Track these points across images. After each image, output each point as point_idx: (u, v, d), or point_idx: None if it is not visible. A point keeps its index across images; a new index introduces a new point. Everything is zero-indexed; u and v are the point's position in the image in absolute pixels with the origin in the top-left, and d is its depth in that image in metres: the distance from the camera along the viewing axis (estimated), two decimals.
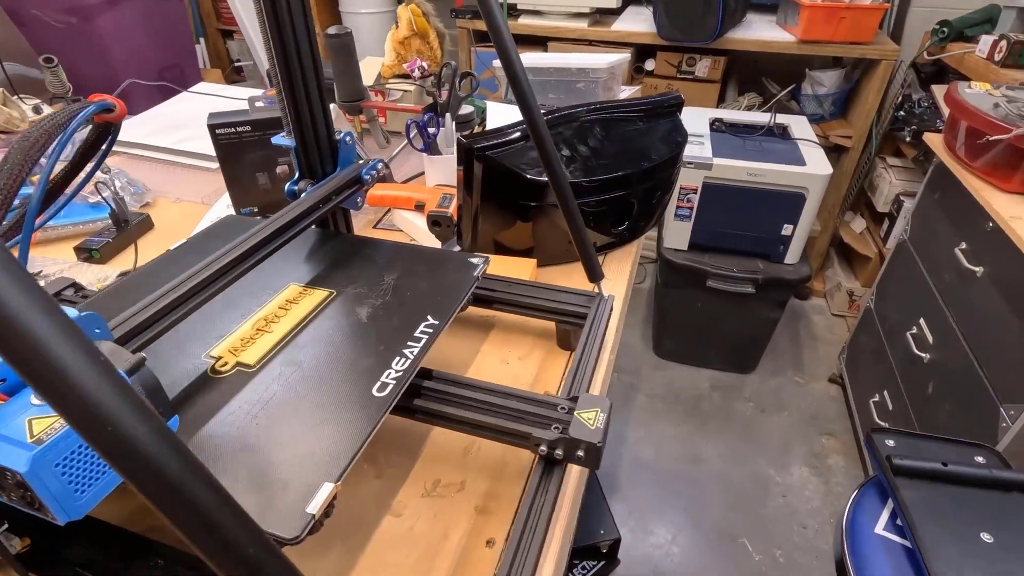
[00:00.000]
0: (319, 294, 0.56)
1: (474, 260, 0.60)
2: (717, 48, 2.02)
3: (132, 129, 1.19)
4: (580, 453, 0.44)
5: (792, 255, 1.77)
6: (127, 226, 0.89)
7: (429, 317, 0.52)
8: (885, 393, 1.59)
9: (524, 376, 0.62)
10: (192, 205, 1.01)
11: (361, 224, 0.94)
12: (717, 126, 1.86)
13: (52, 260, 0.79)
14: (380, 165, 0.70)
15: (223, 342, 0.49)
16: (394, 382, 0.45)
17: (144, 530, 0.44)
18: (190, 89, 1.32)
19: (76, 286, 0.64)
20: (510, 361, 0.65)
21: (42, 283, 0.70)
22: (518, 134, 0.73)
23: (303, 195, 0.62)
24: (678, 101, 0.86)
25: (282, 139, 0.64)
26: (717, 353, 2.04)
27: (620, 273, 0.81)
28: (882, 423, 1.58)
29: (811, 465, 1.74)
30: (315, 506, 0.36)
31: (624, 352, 2.14)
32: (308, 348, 0.49)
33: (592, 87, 1.67)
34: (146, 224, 0.92)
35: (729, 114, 1.93)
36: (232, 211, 0.93)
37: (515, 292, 0.65)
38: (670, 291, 1.93)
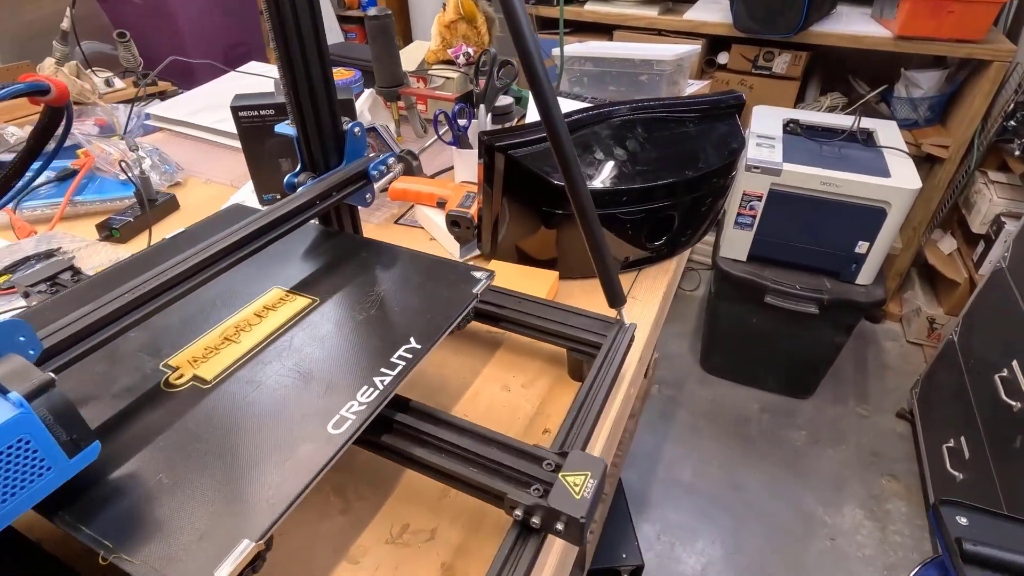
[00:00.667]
0: (300, 302, 0.51)
1: (476, 274, 0.54)
2: (800, 42, 1.85)
3: (177, 107, 1.19)
4: (559, 526, 0.37)
5: (865, 275, 1.59)
6: (151, 206, 0.88)
7: (412, 340, 0.46)
8: (962, 439, 1.41)
9: (524, 408, 0.55)
10: (221, 187, 0.99)
11: (384, 217, 0.90)
12: (792, 128, 1.70)
13: (72, 237, 0.79)
14: (391, 160, 0.64)
15: (185, 351, 0.45)
16: (354, 417, 0.39)
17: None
18: (238, 69, 1.31)
19: (74, 269, 0.62)
20: (512, 388, 0.58)
21: (49, 262, 0.69)
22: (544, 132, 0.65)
23: (301, 188, 0.57)
24: (738, 102, 0.75)
25: (285, 127, 0.60)
26: (771, 373, 1.89)
27: (652, 294, 0.72)
28: (955, 473, 1.40)
29: (867, 508, 1.57)
30: (226, 569, 0.30)
31: (668, 362, 2.02)
32: (272, 365, 0.44)
33: (656, 80, 1.55)
34: (171, 204, 0.91)
35: (807, 115, 1.76)
36: (255, 196, 0.91)
37: (525, 311, 0.58)
38: (724, 303, 1.79)
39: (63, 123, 0.41)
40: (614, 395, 0.57)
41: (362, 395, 0.41)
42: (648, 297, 0.71)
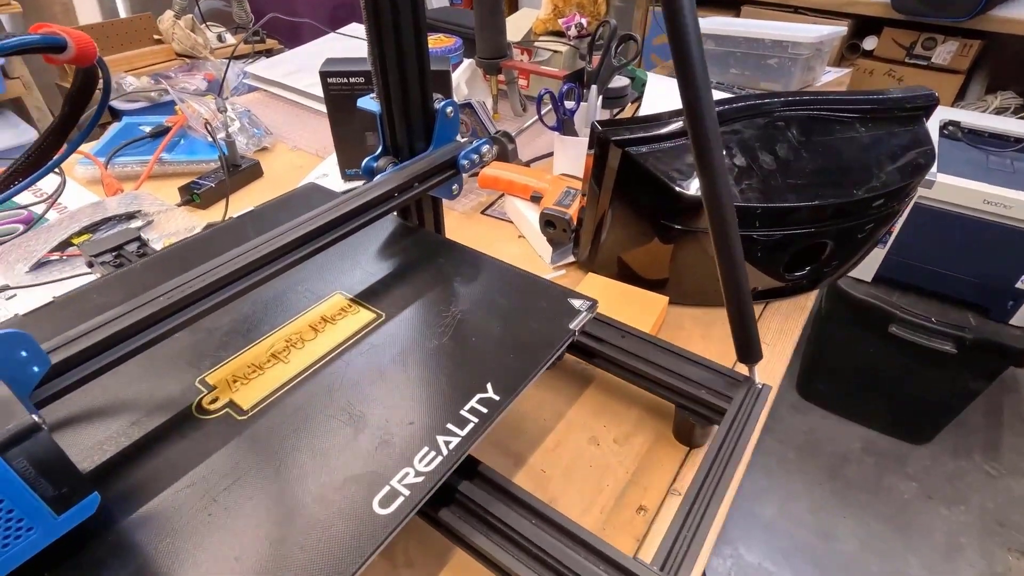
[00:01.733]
0: (363, 316, 0.43)
1: (576, 303, 0.43)
2: (972, 28, 1.55)
3: (273, 67, 1.16)
4: None
5: (1023, 316, 1.33)
6: (235, 171, 0.84)
7: (489, 386, 0.37)
8: None
9: (616, 471, 0.45)
10: (306, 156, 0.94)
11: (470, 206, 0.81)
12: (950, 131, 1.44)
13: (154, 200, 0.76)
14: (485, 149, 0.54)
15: (227, 365, 0.38)
16: (407, 494, 0.30)
17: None
18: (339, 31, 1.26)
19: (140, 241, 0.58)
20: (602, 441, 0.47)
21: (119, 230, 0.66)
22: (676, 127, 0.53)
23: (380, 176, 0.49)
24: (928, 102, 0.59)
25: (368, 102, 0.51)
26: (881, 411, 1.66)
27: (783, 337, 0.58)
28: None
29: None
30: None
31: None
32: (319, 400, 0.36)
33: (788, 66, 1.35)
34: (254, 171, 0.87)
35: (971, 116, 1.48)
36: (338, 169, 0.85)
37: (627, 348, 0.47)
38: (836, 326, 1.58)
39: (99, 86, 0.34)
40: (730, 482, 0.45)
41: (421, 461, 0.32)
42: (778, 340, 0.58)
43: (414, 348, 0.40)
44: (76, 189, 0.83)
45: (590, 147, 0.56)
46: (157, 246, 0.67)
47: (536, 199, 0.71)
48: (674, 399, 0.46)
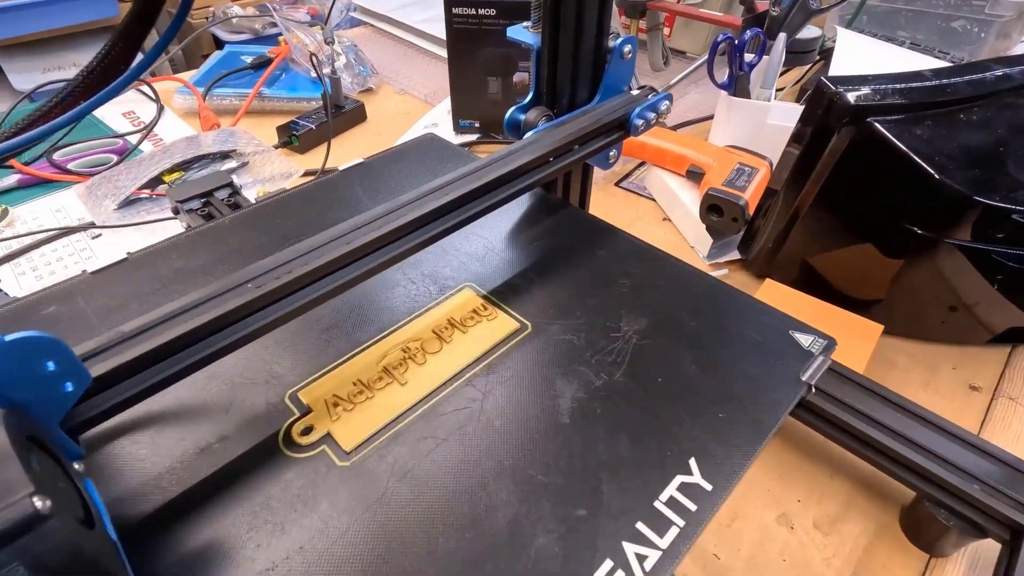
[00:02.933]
0: (503, 324, 0.31)
1: (802, 339, 0.30)
2: None
3: (383, 0, 1.05)
4: None
5: None
6: (337, 113, 0.75)
7: (694, 466, 0.25)
8: None
9: (823, 573, 0.32)
10: (414, 101, 0.84)
11: (601, 174, 0.67)
12: None
13: (251, 139, 0.68)
14: (664, 106, 0.41)
15: (326, 376, 0.29)
16: None
17: None
18: None
19: (232, 188, 0.50)
20: (797, 524, 0.35)
21: (210, 173, 0.58)
22: (956, 88, 0.37)
23: (531, 133, 0.37)
24: None
25: (522, 32, 0.39)
26: None
27: None
28: None
29: None
30: None
31: None
32: (446, 447, 0.25)
33: (977, 31, 1.09)
34: (358, 114, 0.78)
35: None
36: (451, 119, 0.73)
37: (839, 395, 0.34)
38: None
39: None
40: None
41: None
42: None
43: (575, 383, 0.28)
44: (173, 121, 0.77)
45: (808, 110, 0.41)
46: (250, 193, 0.59)
47: (695, 176, 0.57)
48: (919, 487, 0.32)
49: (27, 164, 0.66)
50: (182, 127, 0.76)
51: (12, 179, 0.64)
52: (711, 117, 0.71)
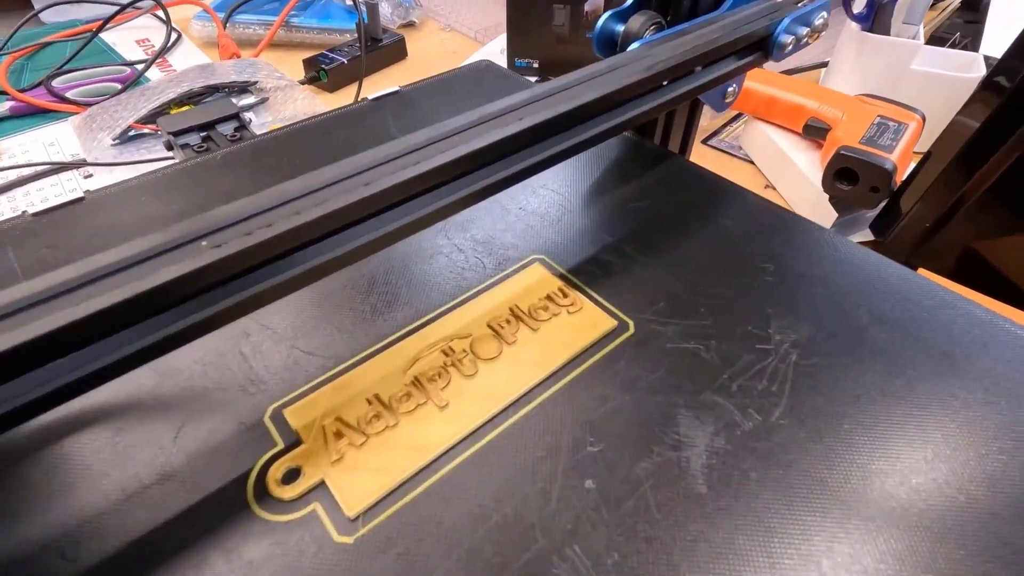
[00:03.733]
0: (592, 319, 0.21)
1: None
2: None
3: None
4: None
5: None
6: (373, 47, 0.64)
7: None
8: None
9: None
10: (462, 39, 0.72)
11: None
12: None
13: (274, 71, 0.58)
14: (819, 20, 0.29)
15: (329, 385, 0.19)
16: None
17: None
18: None
19: (239, 121, 0.40)
20: None
21: (215, 102, 0.48)
22: None
23: (632, 47, 0.26)
24: None
25: None
26: None
27: None
28: None
29: None
30: None
31: None
32: (512, 525, 0.16)
33: None
34: (397, 50, 0.67)
35: None
36: (504, 60, 0.62)
37: None
38: None
39: None
40: None
41: None
42: None
43: (711, 424, 0.18)
44: (190, 50, 0.68)
45: (1006, 57, 0.29)
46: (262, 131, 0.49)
47: (815, 131, 0.45)
48: None
49: (23, 91, 0.58)
50: (199, 58, 0.67)
51: (4, 107, 0.56)
52: (823, 64, 0.58)
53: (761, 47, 0.28)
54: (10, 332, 0.12)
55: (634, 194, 0.27)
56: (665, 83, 0.25)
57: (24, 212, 0.26)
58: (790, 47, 0.28)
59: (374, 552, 0.15)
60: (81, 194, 0.27)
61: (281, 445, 0.17)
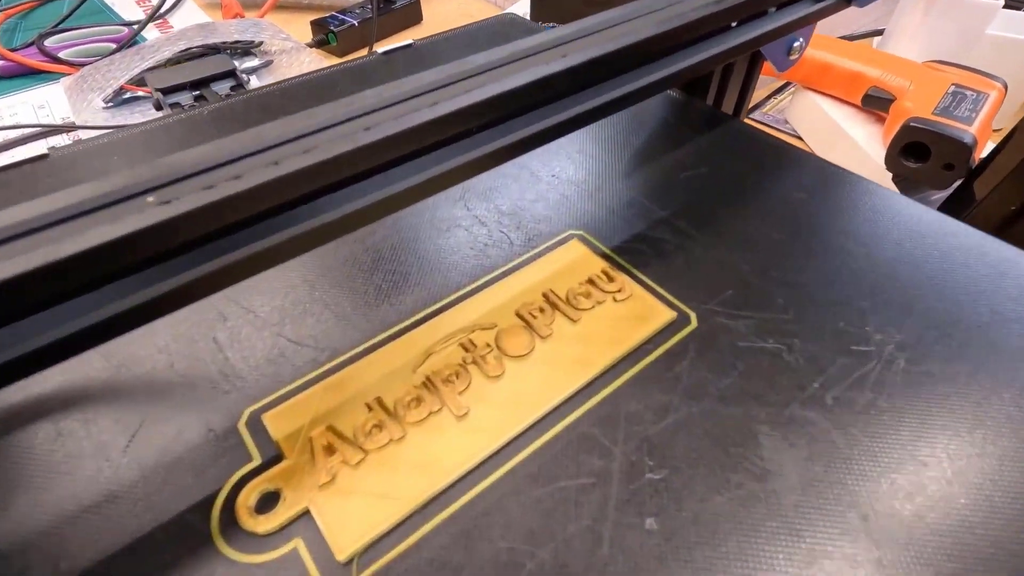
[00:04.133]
0: (646, 309, 0.17)
1: None
2: None
3: None
4: None
5: None
6: (385, 9, 0.60)
7: None
8: None
9: None
10: (479, 4, 0.67)
11: None
12: None
13: (278, 31, 0.54)
14: None
15: (319, 384, 0.15)
16: None
17: None
18: None
19: (236, 79, 0.36)
20: None
21: (210, 59, 0.43)
22: None
23: None
24: None
25: None
26: None
27: None
28: None
29: None
30: None
31: None
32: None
33: None
34: (411, 13, 0.62)
35: None
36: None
37: None
38: None
39: None
40: None
41: None
42: None
43: (805, 446, 0.14)
44: (192, 11, 0.64)
45: None
46: None
47: (876, 102, 0.40)
48: None
49: (14, 50, 0.54)
50: (201, 18, 0.63)
51: None
52: (877, 33, 0.53)
53: None
54: None
55: (687, 161, 0.23)
56: (734, 24, 0.21)
57: None
58: None
59: None
60: (45, 151, 0.23)
61: (258, 460, 0.14)
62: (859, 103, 0.41)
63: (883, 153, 0.36)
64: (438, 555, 0.12)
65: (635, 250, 0.19)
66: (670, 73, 0.19)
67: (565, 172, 0.23)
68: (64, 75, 0.52)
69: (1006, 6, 0.43)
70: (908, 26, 0.45)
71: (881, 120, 0.40)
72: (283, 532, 0.13)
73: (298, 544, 0.13)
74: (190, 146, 0.12)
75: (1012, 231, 0.33)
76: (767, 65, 0.27)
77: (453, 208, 0.21)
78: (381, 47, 0.31)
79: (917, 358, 0.16)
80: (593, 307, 0.17)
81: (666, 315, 0.17)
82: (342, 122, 0.13)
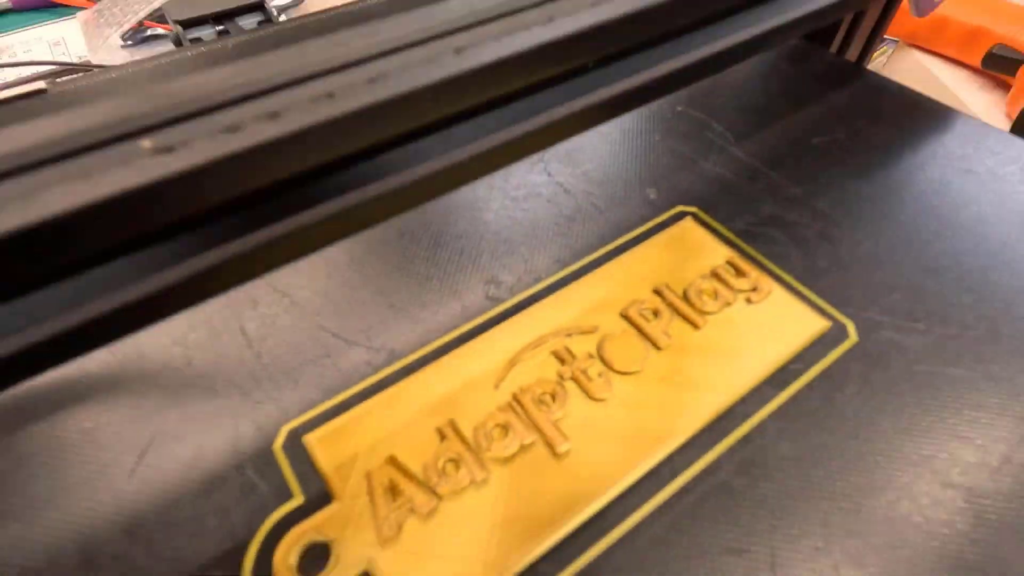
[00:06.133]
0: (791, 315, 0.13)
1: None
2: None
3: None
4: None
5: None
6: None
7: None
8: None
9: None
10: None
11: None
12: None
13: None
14: None
15: (377, 397, 0.12)
16: None
17: None
18: None
19: (263, 12, 0.32)
20: None
21: None
22: None
23: None
24: None
25: None
26: None
27: None
28: None
29: None
30: None
31: None
32: None
33: None
34: None
35: None
36: None
37: None
38: None
39: None
40: None
41: None
42: None
43: (1017, 496, 0.10)
44: None
45: None
46: None
47: (1001, 63, 0.34)
48: None
49: None
50: None
51: None
52: None
53: None
54: None
55: (819, 123, 0.19)
56: None
57: None
58: None
59: None
60: (43, 85, 0.20)
61: (300, 498, 0.11)
62: (978, 64, 0.35)
63: (1008, 127, 0.31)
64: None
65: (766, 236, 0.15)
66: (805, 14, 0.14)
67: (669, 132, 0.18)
68: (80, 9, 0.48)
69: None
70: None
71: (1005, 87, 0.34)
72: None
73: None
74: (211, 89, 0.08)
75: None
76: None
77: (530, 172, 0.17)
78: None
79: None
80: (721, 309, 0.13)
81: (818, 324, 0.13)
82: (422, 41, 0.09)
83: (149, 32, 0.44)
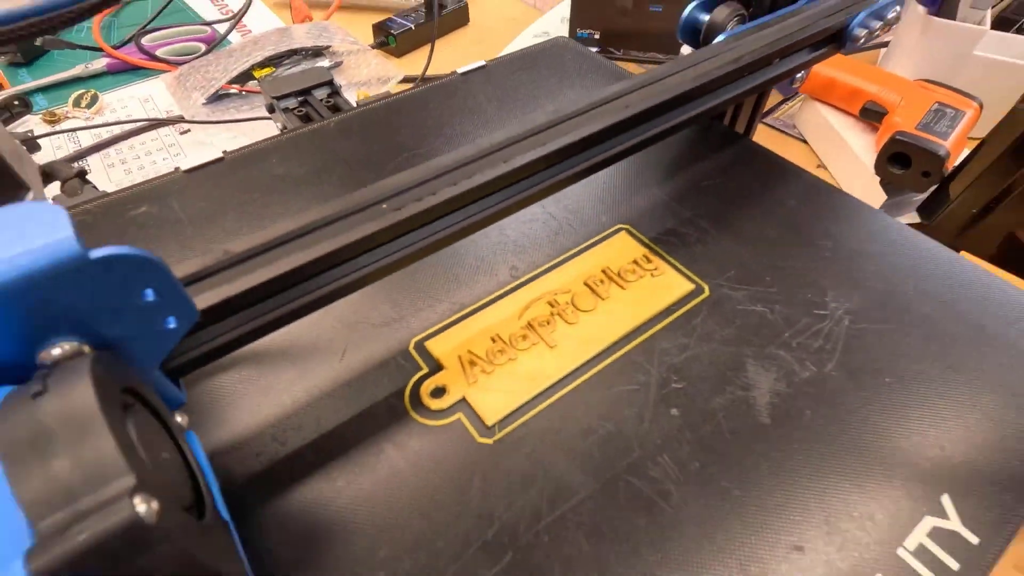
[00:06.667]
0: (673, 282, 0.25)
1: None
2: None
3: None
4: None
5: None
6: (438, 13, 0.66)
7: (947, 504, 0.18)
8: None
9: None
10: (521, 8, 0.74)
11: None
12: None
13: (345, 35, 0.61)
14: (893, 13, 0.31)
15: (458, 324, 0.23)
16: None
17: None
18: None
19: (332, 87, 0.44)
20: None
21: (308, 69, 0.51)
22: None
23: (720, 38, 0.29)
24: None
25: None
26: None
27: None
28: None
29: None
30: None
31: None
32: (613, 439, 0.20)
33: None
34: (460, 16, 0.69)
35: None
36: (565, 28, 0.64)
37: None
38: None
39: None
40: None
41: None
42: None
43: (774, 372, 0.22)
44: (262, 11, 0.71)
45: None
46: (349, 96, 0.53)
47: (871, 115, 0.47)
48: None
49: (116, 48, 0.62)
50: (271, 19, 0.70)
51: (101, 63, 0.60)
52: (883, 45, 0.59)
53: (835, 39, 0.30)
54: (263, 269, 0.16)
55: (708, 172, 0.30)
56: (747, 74, 0.28)
57: (177, 169, 0.31)
58: (863, 40, 0.30)
59: (509, 450, 0.20)
60: (220, 154, 0.31)
61: (426, 369, 0.22)
62: (858, 114, 0.47)
63: (874, 160, 0.43)
64: (545, 424, 0.20)
65: (666, 240, 0.27)
66: (701, 111, 0.26)
67: (612, 179, 0.30)
68: (161, 72, 0.60)
69: (993, 27, 0.49)
70: (906, 44, 0.51)
71: (875, 130, 0.47)
72: (449, 409, 0.21)
73: (460, 416, 0.21)
74: (327, 153, 0.19)
75: (974, 230, 0.40)
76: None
77: (532, 208, 0.29)
78: (447, 69, 0.39)
79: (858, 319, 0.23)
80: (637, 280, 0.25)
81: (687, 287, 0.25)
82: (488, 153, 0.21)
83: (223, 92, 0.55)
